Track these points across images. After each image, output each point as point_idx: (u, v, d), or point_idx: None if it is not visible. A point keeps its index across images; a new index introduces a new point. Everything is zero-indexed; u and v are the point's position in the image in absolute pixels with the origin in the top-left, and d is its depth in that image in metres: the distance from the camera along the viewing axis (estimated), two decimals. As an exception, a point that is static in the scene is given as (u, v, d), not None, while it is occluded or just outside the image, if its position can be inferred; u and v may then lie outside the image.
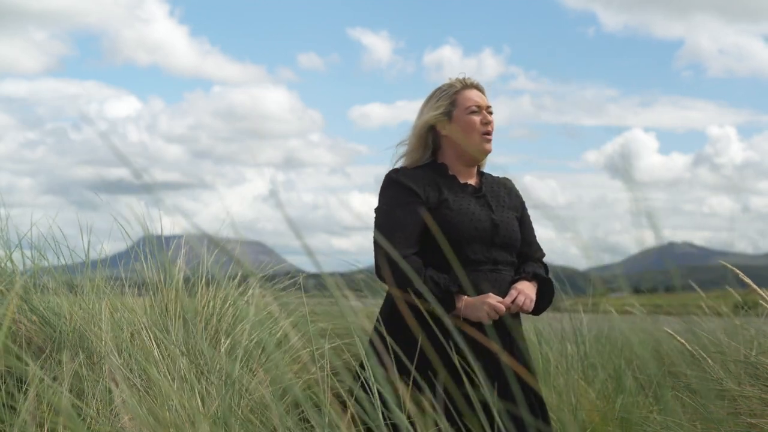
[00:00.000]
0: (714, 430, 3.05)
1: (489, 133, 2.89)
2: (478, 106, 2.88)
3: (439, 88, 2.94)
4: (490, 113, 2.91)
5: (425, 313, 2.22)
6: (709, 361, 3.37)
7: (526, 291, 2.76)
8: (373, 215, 2.86)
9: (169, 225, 4.08)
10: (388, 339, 2.34)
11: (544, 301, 2.86)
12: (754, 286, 3.39)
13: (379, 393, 2.03)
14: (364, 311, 5.43)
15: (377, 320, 2.82)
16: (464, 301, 2.68)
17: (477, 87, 2.94)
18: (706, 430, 3.08)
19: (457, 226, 2.75)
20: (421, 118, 2.92)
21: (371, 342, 2.75)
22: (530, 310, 2.77)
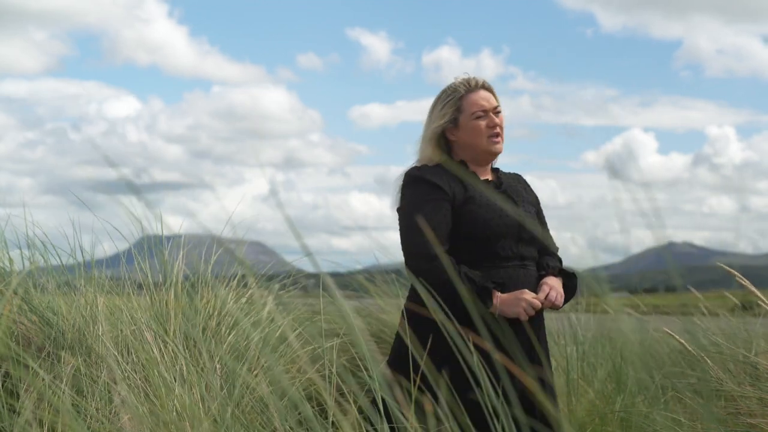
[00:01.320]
0: (714, 430, 3.05)
1: (497, 135, 2.86)
2: (484, 110, 2.83)
3: (445, 92, 2.89)
4: (498, 113, 2.87)
5: (438, 321, 2.21)
6: (709, 361, 3.37)
7: (556, 286, 2.76)
8: (395, 215, 2.82)
9: (169, 225, 4.08)
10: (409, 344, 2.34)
11: (568, 295, 2.85)
12: (753, 288, 3.39)
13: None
14: (363, 311, 5.43)
15: (400, 324, 2.80)
16: (500, 298, 2.65)
17: (483, 87, 2.88)
18: (706, 430, 3.08)
19: (488, 222, 2.72)
20: (429, 127, 2.88)
21: (389, 361, 2.74)
22: (560, 305, 2.76)
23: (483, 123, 2.83)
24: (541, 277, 2.81)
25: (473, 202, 2.74)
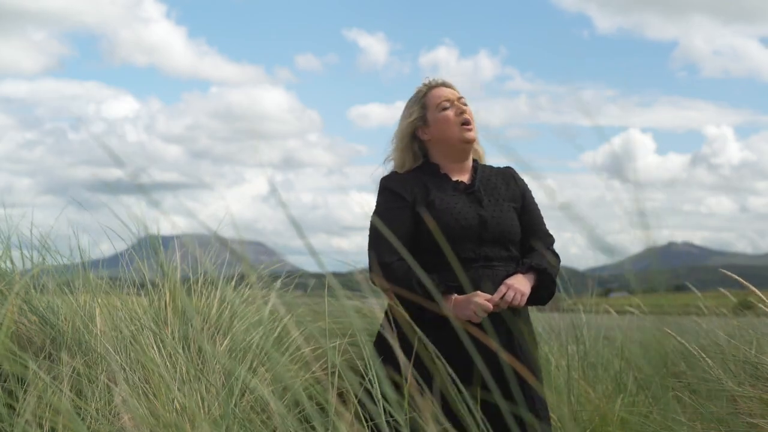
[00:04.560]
0: (714, 430, 3.05)
1: (467, 123, 2.89)
2: (449, 100, 2.90)
3: (409, 99, 2.97)
4: (464, 104, 2.92)
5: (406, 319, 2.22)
6: (709, 361, 3.36)
7: (516, 286, 2.71)
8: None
9: (168, 225, 4.08)
10: (392, 342, 2.35)
11: (543, 291, 2.81)
12: (753, 289, 3.39)
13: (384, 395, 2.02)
14: (362, 311, 5.43)
15: (381, 326, 2.84)
16: (452, 301, 2.67)
17: (444, 84, 2.96)
18: (706, 430, 3.08)
19: (445, 226, 2.75)
20: (398, 130, 2.95)
21: (375, 345, 2.77)
22: (522, 304, 2.72)
23: (450, 113, 2.89)
24: (510, 276, 2.78)
25: (432, 207, 2.78)
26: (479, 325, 2.62)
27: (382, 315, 2.89)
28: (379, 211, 2.85)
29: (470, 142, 2.91)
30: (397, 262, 2.71)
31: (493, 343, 2.57)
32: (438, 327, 2.61)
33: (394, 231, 2.76)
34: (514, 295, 2.70)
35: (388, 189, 2.86)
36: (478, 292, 2.68)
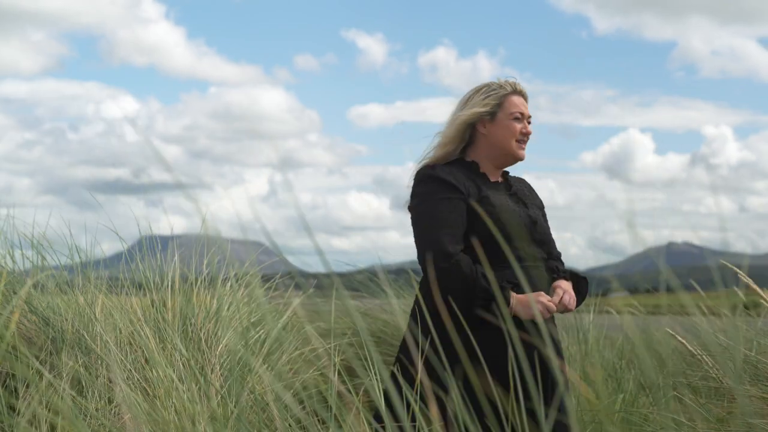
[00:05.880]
0: (714, 430, 3.05)
1: (525, 142, 2.90)
2: (522, 114, 2.88)
3: (488, 86, 2.90)
4: (529, 122, 2.92)
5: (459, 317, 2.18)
6: (709, 361, 3.36)
7: (569, 290, 2.79)
8: (408, 214, 2.81)
9: (167, 225, 4.08)
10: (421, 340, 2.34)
11: (579, 299, 2.88)
12: (754, 286, 3.39)
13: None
14: (362, 310, 5.43)
15: (410, 321, 2.81)
16: (516, 299, 2.65)
17: (523, 95, 2.93)
18: (706, 430, 3.08)
19: (500, 222, 2.71)
20: (464, 112, 2.87)
21: (399, 354, 2.74)
22: (573, 309, 2.79)
23: (518, 126, 2.87)
24: (553, 279, 2.84)
25: (488, 202, 2.74)
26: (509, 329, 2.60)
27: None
28: (432, 200, 2.73)
29: (518, 159, 2.92)
30: (460, 253, 2.65)
31: (554, 356, 2.56)
32: (486, 326, 2.56)
33: (453, 221, 2.69)
34: (569, 299, 2.76)
35: (437, 178, 2.75)
36: (542, 292, 2.70)
